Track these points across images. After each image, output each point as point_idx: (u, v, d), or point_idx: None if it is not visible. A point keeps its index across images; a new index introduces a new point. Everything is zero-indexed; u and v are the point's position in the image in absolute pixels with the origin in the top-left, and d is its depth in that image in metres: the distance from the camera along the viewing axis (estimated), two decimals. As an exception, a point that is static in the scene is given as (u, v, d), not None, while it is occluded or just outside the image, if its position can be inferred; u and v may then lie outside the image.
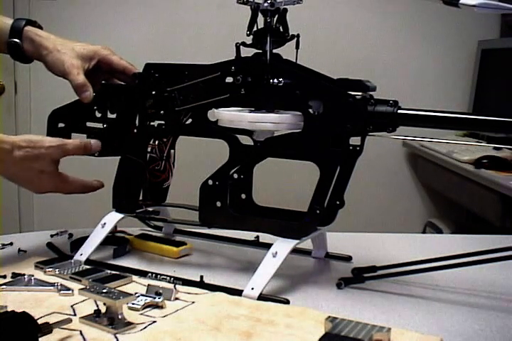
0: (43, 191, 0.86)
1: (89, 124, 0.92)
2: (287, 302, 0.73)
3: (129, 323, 0.64)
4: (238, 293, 0.73)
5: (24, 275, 0.76)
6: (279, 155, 0.81)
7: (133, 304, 0.68)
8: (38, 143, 0.82)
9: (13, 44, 0.89)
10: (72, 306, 0.69)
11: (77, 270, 0.79)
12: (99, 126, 0.91)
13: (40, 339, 0.57)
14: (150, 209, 0.91)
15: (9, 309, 0.62)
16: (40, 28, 0.92)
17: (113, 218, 0.88)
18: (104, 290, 0.65)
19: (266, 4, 0.79)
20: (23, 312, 0.57)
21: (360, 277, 0.79)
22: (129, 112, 0.89)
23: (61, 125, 0.92)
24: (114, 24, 2.45)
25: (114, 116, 0.91)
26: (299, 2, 0.79)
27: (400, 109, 0.74)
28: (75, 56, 0.88)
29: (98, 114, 0.91)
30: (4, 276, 0.77)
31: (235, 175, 0.82)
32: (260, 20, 0.80)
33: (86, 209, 1.99)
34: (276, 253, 0.75)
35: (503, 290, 0.79)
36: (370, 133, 0.76)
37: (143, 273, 0.80)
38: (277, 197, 1.46)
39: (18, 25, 0.89)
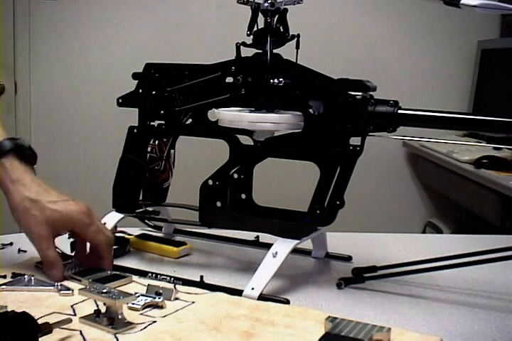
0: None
1: None
2: (287, 302, 0.73)
3: (129, 323, 0.64)
4: (238, 293, 0.73)
5: (24, 275, 0.76)
6: (279, 155, 0.81)
7: (133, 304, 0.68)
8: None
9: None
10: (72, 306, 0.68)
11: (77, 270, 0.79)
12: None
13: (40, 339, 0.57)
14: (150, 209, 0.91)
15: (9, 309, 0.62)
16: (31, 156, 0.80)
17: (113, 218, 0.88)
18: (104, 290, 0.65)
19: (266, 4, 0.79)
20: (23, 312, 0.57)
21: (360, 277, 0.79)
22: None
23: None
24: (114, 24, 2.44)
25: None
26: (299, 2, 0.79)
27: (400, 109, 0.74)
28: (44, 221, 0.77)
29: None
30: (4, 276, 0.77)
31: (235, 175, 0.82)
32: (260, 21, 0.80)
33: (86, 209, 1.99)
34: (276, 253, 0.75)
35: (503, 290, 0.79)
36: (370, 133, 0.76)
37: (143, 273, 0.80)
38: (277, 197, 1.47)
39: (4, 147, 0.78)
